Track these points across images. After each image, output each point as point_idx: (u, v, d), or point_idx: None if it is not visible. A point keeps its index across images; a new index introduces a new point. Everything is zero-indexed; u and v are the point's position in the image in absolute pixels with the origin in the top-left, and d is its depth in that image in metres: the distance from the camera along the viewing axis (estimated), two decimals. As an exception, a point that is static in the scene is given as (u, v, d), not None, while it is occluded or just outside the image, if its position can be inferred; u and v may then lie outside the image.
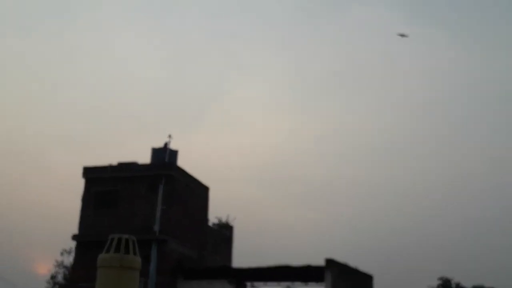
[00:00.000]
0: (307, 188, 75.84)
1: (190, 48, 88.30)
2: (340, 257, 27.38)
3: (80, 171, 30.61)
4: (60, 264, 43.44)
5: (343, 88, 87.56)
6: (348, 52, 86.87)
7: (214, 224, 35.02)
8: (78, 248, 29.72)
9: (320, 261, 26.84)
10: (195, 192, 32.29)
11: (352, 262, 28.84)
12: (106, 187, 29.99)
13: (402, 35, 36.90)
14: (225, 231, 35.61)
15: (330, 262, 26.40)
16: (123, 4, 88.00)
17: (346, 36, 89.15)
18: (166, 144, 30.96)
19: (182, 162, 31.45)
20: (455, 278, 43.62)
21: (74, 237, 29.43)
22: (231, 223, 36.30)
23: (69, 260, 43.02)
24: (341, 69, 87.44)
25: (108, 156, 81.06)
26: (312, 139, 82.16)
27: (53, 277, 43.79)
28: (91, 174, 30.26)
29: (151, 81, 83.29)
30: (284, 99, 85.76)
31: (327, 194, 77.67)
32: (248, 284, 29.55)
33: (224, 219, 35.97)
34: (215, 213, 35.35)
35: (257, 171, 78.09)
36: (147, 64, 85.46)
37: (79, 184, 30.63)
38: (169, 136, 31.19)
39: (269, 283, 29.04)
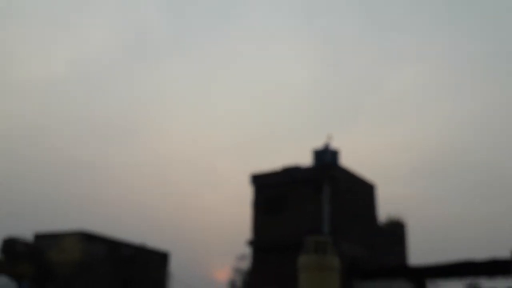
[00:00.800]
0: (479, 177, 70.82)
1: (340, 44, 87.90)
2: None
3: (245, 178, 31.83)
4: (237, 270, 45.40)
5: (502, 67, 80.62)
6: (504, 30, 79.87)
7: (384, 223, 34.00)
8: (253, 253, 30.78)
9: (504, 254, 24.71)
10: (361, 191, 31.73)
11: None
12: (274, 192, 30.72)
13: None
14: (396, 229, 34.39)
15: (519, 254, 24.08)
16: (272, 11, 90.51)
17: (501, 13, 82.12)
18: (326, 145, 30.91)
19: (344, 160, 31.19)
20: None
21: (249, 243, 30.54)
22: (402, 220, 34.96)
23: (245, 265, 44.87)
24: (497, 48, 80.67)
25: (271, 161, 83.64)
26: (479, 124, 76.75)
27: (232, 282, 45.96)
28: (259, 181, 31.26)
29: (306, 81, 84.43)
30: (442, 86, 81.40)
31: (500, 182, 71.67)
32: (428, 281, 28.11)
33: (394, 217, 34.77)
34: (384, 211, 34.42)
35: (423, 163, 74.95)
36: (301, 65, 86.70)
37: (246, 190, 31.90)
38: (329, 136, 31.15)
39: (451, 279, 27.35)
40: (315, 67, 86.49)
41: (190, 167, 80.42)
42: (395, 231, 34.45)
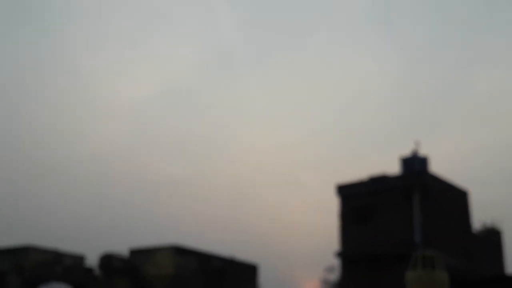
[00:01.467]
0: None
1: (422, 47, 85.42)
2: None
3: (330, 189, 31.47)
4: (326, 282, 44.88)
5: None
6: None
7: (479, 231, 32.55)
8: (342, 264, 30.35)
9: None
10: (453, 198, 30.55)
11: None
12: (361, 202, 30.20)
13: None
14: (492, 236, 32.82)
15: None
16: (345, 22, 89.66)
17: None
18: (414, 152, 30.13)
19: (434, 167, 30.24)
20: None
21: (338, 254, 30.14)
22: (498, 227, 33.34)
23: (333, 277, 44.34)
24: None
25: (356, 171, 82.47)
26: None
27: (320, 294, 45.55)
28: (345, 191, 30.85)
29: (388, 88, 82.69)
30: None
31: None
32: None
33: (489, 224, 33.23)
34: (479, 218, 32.99)
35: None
36: (383, 71, 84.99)
37: (331, 201, 31.55)
38: (417, 143, 30.40)
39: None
40: (398, 73, 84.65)
41: (276, 180, 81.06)
42: (491, 238, 32.89)
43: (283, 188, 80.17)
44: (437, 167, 30.56)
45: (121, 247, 29.48)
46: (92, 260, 29.21)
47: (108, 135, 78.09)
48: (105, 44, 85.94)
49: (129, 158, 78.41)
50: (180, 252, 27.83)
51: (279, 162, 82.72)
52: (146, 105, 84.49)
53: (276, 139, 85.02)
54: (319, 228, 68.97)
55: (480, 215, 33.57)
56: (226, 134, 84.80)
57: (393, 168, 30.63)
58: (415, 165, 29.65)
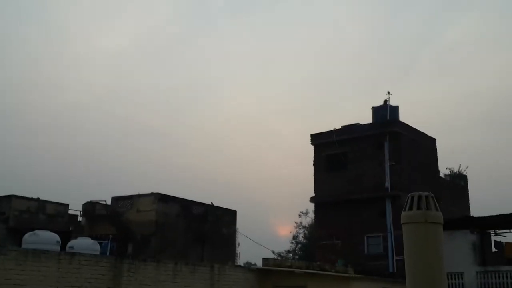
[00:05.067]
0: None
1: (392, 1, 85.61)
2: None
3: (304, 138, 32.66)
4: (299, 225, 46.79)
5: None
6: None
7: (446, 175, 34.21)
8: (316, 209, 31.80)
9: None
10: (422, 145, 31.91)
11: None
12: (334, 150, 31.35)
13: None
14: (458, 181, 34.53)
15: None
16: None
17: None
18: (385, 101, 31.16)
19: (403, 115, 31.43)
20: None
21: (312, 199, 31.53)
22: (464, 172, 35.04)
23: (306, 221, 46.25)
24: None
25: (325, 121, 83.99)
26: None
27: (294, 237, 47.56)
28: (319, 140, 31.96)
29: (360, 39, 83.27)
30: (499, 34, 78.49)
31: None
32: (492, 232, 28.34)
33: (456, 169, 34.92)
34: (446, 164, 34.64)
35: (486, 115, 73.36)
36: (355, 23, 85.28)
37: (306, 149, 32.76)
38: (388, 93, 31.44)
39: (515, 230, 27.46)
40: (369, 24, 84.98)
41: (253, 129, 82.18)
42: (457, 183, 34.57)
43: (260, 138, 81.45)
44: (406, 116, 31.89)
45: (104, 196, 30.32)
46: (76, 208, 30.04)
47: (87, 85, 77.57)
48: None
49: (109, 108, 78.33)
50: (162, 199, 28.71)
51: (256, 113, 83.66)
52: (124, 56, 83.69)
53: (253, 90, 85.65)
54: (294, 175, 70.82)
55: (447, 161, 35.25)
56: (205, 85, 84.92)
57: (365, 117, 31.77)
58: (386, 114, 30.72)
